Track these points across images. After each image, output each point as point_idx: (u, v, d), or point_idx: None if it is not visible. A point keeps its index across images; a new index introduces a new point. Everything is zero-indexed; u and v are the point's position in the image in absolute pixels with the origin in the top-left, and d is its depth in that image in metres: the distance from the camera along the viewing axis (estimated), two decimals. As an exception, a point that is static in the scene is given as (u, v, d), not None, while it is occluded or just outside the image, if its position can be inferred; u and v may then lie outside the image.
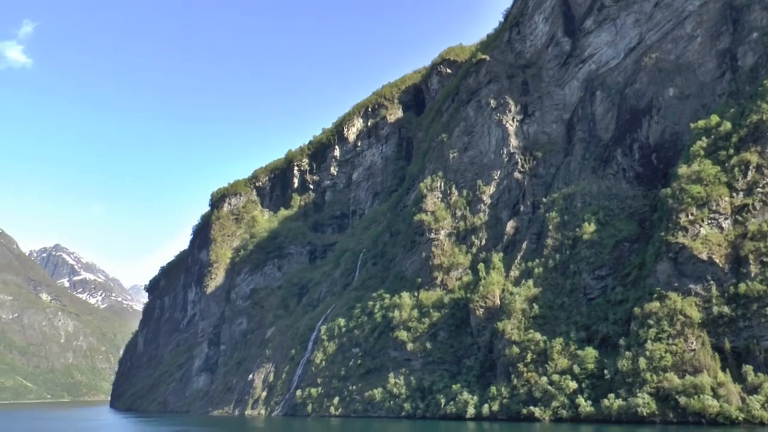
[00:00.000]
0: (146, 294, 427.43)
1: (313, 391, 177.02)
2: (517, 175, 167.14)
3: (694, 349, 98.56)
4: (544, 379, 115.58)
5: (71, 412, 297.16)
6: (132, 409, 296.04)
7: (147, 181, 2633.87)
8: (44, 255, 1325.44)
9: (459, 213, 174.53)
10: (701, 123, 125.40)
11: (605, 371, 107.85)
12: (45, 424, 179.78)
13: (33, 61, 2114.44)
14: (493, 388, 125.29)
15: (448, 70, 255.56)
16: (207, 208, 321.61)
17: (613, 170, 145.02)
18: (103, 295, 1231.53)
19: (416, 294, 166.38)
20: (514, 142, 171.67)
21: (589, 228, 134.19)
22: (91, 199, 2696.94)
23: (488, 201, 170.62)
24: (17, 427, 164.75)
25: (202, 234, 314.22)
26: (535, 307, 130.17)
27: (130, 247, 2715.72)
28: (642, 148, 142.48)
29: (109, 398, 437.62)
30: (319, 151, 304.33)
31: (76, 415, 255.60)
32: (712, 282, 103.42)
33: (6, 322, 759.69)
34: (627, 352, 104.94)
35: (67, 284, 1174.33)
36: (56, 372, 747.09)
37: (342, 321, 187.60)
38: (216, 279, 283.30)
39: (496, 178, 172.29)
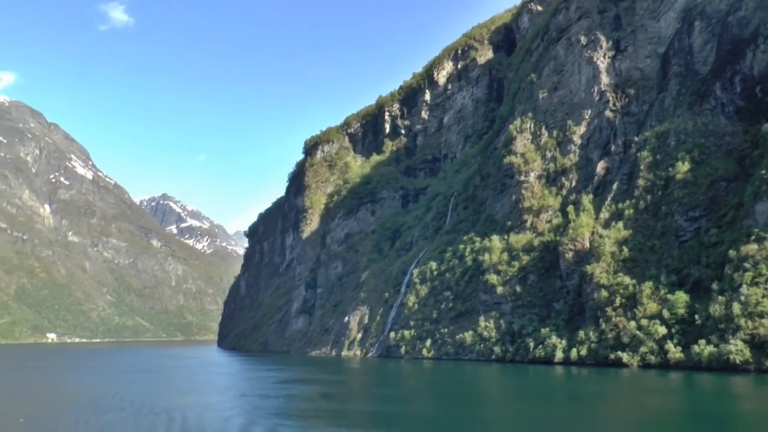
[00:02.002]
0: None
1: (407, 333, 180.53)
2: (608, 113, 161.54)
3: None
4: (633, 323, 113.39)
5: (182, 350, 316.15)
6: (236, 349, 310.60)
7: (247, 129, 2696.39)
8: (153, 204, 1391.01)
9: (549, 154, 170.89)
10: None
11: (696, 316, 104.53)
12: (161, 360, 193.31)
13: (134, 20, 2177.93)
14: (581, 333, 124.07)
15: (539, 8, 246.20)
16: (301, 156, 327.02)
17: (710, 105, 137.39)
18: (208, 241, 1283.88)
19: (506, 237, 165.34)
20: (605, 79, 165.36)
21: (683, 167, 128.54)
22: (195, 149, 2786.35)
23: (578, 141, 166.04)
24: (139, 361, 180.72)
25: (297, 181, 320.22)
26: (625, 249, 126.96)
27: (232, 194, 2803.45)
28: (744, 81, 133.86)
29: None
30: (409, 95, 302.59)
31: (186, 353, 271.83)
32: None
33: (123, 267, 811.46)
34: (720, 297, 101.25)
35: (174, 231, 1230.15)
36: (169, 313, 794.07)
37: (434, 264, 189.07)
38: (311, 224, 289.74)
39: (586, 117, 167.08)
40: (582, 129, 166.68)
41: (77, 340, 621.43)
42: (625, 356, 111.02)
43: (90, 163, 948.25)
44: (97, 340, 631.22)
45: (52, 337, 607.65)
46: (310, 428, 51.88)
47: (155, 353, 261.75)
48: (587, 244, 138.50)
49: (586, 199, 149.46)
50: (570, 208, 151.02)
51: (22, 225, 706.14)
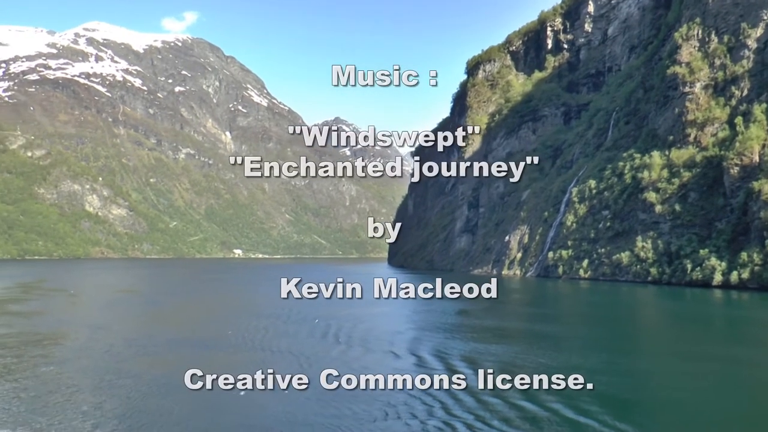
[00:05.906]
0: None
1: (564, 253, 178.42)
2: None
3: None
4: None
5: (354, 266, 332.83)
6: (404, 266, 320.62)
7: (416, 52, 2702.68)
8: (325, 127, 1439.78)
9: (718, 62, 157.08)
10: None
11: None
12: (333, 275, 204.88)
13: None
14: (743, 255, 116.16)
15: None
16: (464, 77, 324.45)
17: None
18: (381, 162, 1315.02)
19: (667, 153, 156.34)
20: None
21: None
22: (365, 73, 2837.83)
23: (754, 45, 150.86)
24: (311, 276, 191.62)
25: (461, 101, 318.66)
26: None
27: (403, 115, 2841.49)
28: None
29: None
30: (572, 8, 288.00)
31: (356, 269, 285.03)
32: None
33: (300, 188, 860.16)
34: None
35: (348, 153, 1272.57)
36: (344, 231, 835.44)
37: (593, 183, 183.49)
38: (473, 144, 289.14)
39: (765, 17, 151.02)
40: (759, 31, 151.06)
41: (260, 255, 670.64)
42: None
43: (265, 91, 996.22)
44: (278, 256, 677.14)
45: (238, 252, 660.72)
46: (473, 342, 53.69)
47: (328, 269, 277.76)
48: (756, 158, 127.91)
49: (758, 109, 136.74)
50: (738, 120, 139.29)
51: (208, 151, 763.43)
